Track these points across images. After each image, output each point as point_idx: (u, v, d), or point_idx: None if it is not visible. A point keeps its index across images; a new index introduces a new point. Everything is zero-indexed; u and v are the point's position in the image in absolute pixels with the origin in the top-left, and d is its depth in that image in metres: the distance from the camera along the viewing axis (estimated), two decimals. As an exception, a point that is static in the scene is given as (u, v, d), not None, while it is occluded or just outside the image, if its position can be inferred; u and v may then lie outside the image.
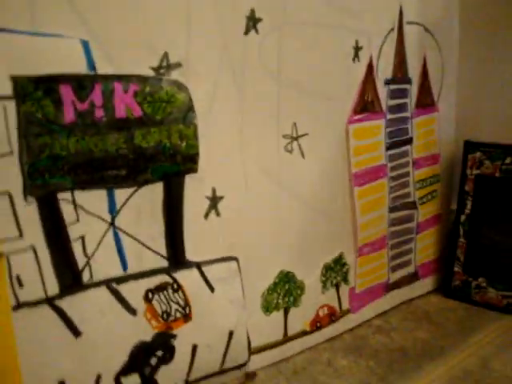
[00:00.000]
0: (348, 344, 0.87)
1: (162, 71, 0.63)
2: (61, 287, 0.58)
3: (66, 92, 0.56)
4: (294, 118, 0.77)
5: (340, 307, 0.88)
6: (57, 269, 0.58)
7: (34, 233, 0.56)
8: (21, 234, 0.56)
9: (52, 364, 0.59)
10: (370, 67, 0.86)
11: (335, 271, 0.86)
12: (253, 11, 0.71)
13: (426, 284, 1.04)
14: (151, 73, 0.62)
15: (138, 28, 0.60)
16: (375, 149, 0.90)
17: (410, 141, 0.96)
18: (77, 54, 0.57)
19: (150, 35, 0.62)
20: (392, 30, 0.89)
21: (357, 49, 0.84)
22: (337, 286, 0.87)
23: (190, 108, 0.64)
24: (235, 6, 0.69)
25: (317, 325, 0.84)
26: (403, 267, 1.00)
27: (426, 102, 1.00)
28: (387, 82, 0.90)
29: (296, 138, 0.78)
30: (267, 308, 0.77)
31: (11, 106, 0.54)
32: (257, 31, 0.71)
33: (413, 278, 1.01)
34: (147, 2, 0.60)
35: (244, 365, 0.75)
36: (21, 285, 0.56)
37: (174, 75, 0.64)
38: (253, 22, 0.71)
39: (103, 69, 0.58)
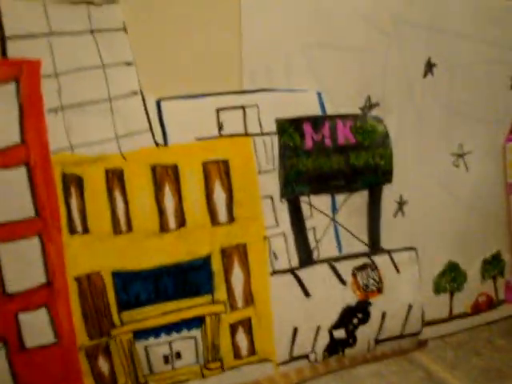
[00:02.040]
0: (504, 328, 1.01)
1: (366, 110, 0.87)
2: (299, 261, 0.84)
3: (307, 128, 0.83)
4: (460, 139, 0.96)
5: (497, 297, 1.04)
6: (298, 248, 0.84)
7: (285, 223, 0.83)
8: (277, 224, 0.83)
9: (290, 314, 0.85)
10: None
11: (493, 266, 1.02)
12: (429, 59, 0.92)
13: None
14: (359, 111, 0.87)
15: (354, 80, 0.85)
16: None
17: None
18: (314, 101, 0.83)
19: (360, 84, 0.86)
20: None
21: (512, 79, 1.01)
22: (494, 278, 1.03)
23: (387, 135, 0.87)
24: (415, 56, 0.90)
25: (476, 309, 1.01)
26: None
27: None
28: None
29: (462, 156, 0.96)
30: (437, 290, 0.96)
31: (275, 138, 0.81)
32: (432, 74, 0.92)
33: None
34: (363, 60, 0.85)
35: (418, 333, 0.95)
36: (276, 258, 0.84)
37: (374, 112, 0.87)
38: (429, 67, 0.92)
39: (330, 111, 0.84)
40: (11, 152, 0.69)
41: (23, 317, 0.71)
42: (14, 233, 0.70)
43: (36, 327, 0.72)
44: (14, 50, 0.68)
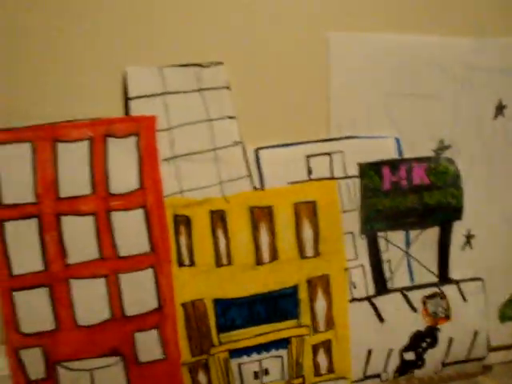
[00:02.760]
0: None
1: (439, 152, 0.94)
2: (375, 290, 0.93)
3: (385, 171, 0.90)
4: (528, 178, 1.02)
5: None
6: (374, 279, 0.92)
7: (363, 256, 0.91)
8: (356, 257, 0.91)
9: (365, 338, 0.93)
10: None
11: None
12: (500, 101, 0.97)
13: None
14: (433, 154, 0.93)
15: (428, 125, 0.92)
16: None
17: None
18: (392, 147, 0.90)
19: (433, 128, 0.93)
20: None
21: None
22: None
23: (458, 176, 0.93)
24: (486, 98, 0.95)
25: (539, 336, 1.07)
26: None
27: None
28: None
29: (528, 191, 1.02)
30: (502, 318, 1.02)
31: (357, 181, 0.89)
32: (503, 115, 0.98)
33: None
34: (437, 105, 0.91)
35: (483, 358, 1.01)
36: (354, 287, 0.92)
37: (447, 154, 0.94)
38: (500, 109, 0.97)
39: (406, 154, 0.91)
40: (132, 196, 0.80)
41: (138, 336, 0.83)
42: (132, 265, 0.81)
43: (148, 345, 0.83)
44: (135, 108, 0.79)
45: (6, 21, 0.74)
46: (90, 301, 0.80)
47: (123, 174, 0.79)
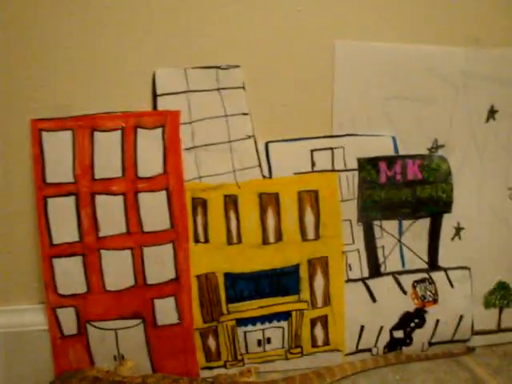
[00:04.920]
0: (552, 344, 1.14)
1: (433, 150, 1.03)
2: (369, 273, 1.02)
3: (382, 166, 1.00)
4: (517, 176, 1.10)
5: (546, 315, 1.17)
6: (368, 262, 1.02)
7: (359, 241, 1.00)
8: (353, 242, 1.01)
9: (358, 315, 1.02)
10: None
11: (541, 288, 1.16)
12: (492, 106, 1.05)
13: None
14: (427, 152, 1.03)
15: (423, 126, 1.01)
16: None
17: None
18: (389, 144, 0.99)
19: (428, 129, 1.02)
20: None
21: None
22: (545, 300, 1.16)
23: (449, 173, 1.02)
24: (479, 103, 1.03)
25: (524, 324, 1.15)
26: None
27: None
28: None
29: (517, 190, 1.10)
30: (486, 304, 1.11)
31: (356, 174, 0.99)
32: (494, 119, 1.06)
33: None
34: (433, 109, 1.00)
35: (467, 340, 1.10)
36: (350, 269, 1.02)
37: (440, 152, 1.02)
38: (492, 113, 1.05)
39: (402, 152, 1.00)
40: (156, 179, 0.92)
41: (157, 302, 0.95)
42: (154, 240, 0.93)
43: (166, 310, 0.95)
44: (162, 103, 0.91)
45: (52, 24, 0.86)
46: (117, 269, 0.93)
47: (150, 161, 0.91)
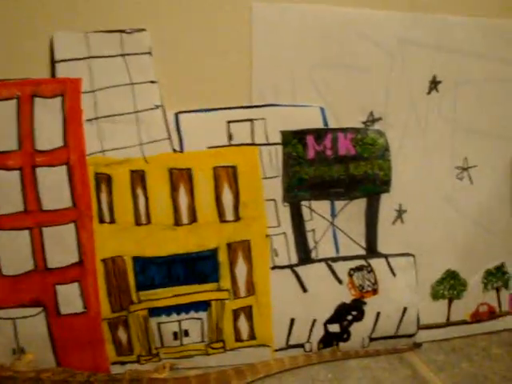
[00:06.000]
0: (504, 339, 1.03)
1: (368, 124, 0.94)
2: (298, 259, 0.93)
3: (310, 140, 0.91)
4: (465, 153, 0.99)
5: (500, 308, 1.06)
6: (297, 248, 0.92)
7: (286, 224, 0.91)
8: (279, 224, 0.92)
9: (287, 306, 0.93)
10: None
11: (496, 277, 1.04)
12: (434, 76, 0.96)
13: None
14: (361, 125, 0.94)
15: (357, 97, 0.92)
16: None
17: None
18: (317, 116, 0.91)
19: (363, 101, 0.93)
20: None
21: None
22: (497, 290, 1.06)
23: (387, 148, 0.93)
24: (420, 73, 0.95)
25: (476, 318, 1.04)
26: None
27: None
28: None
29: (466, 169, 1.00)
30: (434, 296, 1.01)
31: (279, 148, 0.90)
32: (437, 91, 0.97)
33: None
34: (367, 78, 0.92)
35: (412, 335, 0.99)
36: (276, 255, 0.93)
37: (376, 126, 0.94)
38: (434, 84, 0.96)
39: (332, 124, 0.92)
40: (56, 153, 0.84)
41: (60, 288, 0.87)
42: (55, 219, 0.85)
43: (69, 297, 0.87)
44: (61, 71, 0.83)
45: None
46: (14, 251, 0.84)
47: (48, 132, 0.84)
